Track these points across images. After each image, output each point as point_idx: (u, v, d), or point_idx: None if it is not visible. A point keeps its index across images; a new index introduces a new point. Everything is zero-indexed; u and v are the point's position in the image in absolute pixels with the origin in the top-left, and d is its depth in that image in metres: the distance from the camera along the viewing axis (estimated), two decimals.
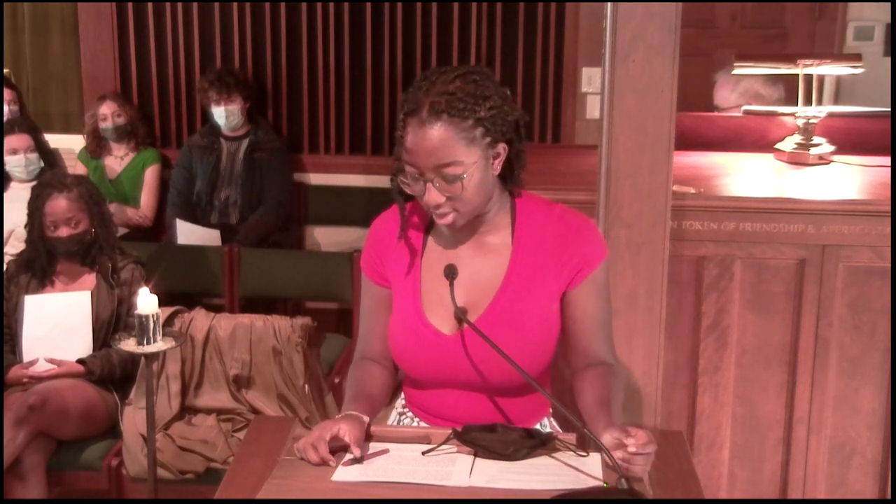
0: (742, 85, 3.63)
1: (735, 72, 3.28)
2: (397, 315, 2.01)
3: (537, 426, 2.06)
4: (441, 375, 1.99)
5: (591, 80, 4.73)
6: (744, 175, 2.90)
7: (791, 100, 3.12)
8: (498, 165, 1.90)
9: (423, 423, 2.07)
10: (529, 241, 1.97)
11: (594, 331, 1.99)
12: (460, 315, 1.92)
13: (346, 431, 1.83)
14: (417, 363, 2.00)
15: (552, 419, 2.12)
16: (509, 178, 1.96)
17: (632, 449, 1.68)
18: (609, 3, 2.20)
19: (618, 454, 1.70)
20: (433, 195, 1.85)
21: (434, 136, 1.81)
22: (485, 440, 1.84)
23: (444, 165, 1.82)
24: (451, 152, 1.82)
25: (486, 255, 1.98)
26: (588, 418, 1.85)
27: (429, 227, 2.03)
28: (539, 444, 1.85)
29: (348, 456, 1.83)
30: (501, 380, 1.96)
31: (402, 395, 2.14)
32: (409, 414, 2.10)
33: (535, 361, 1.95)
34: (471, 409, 1.99)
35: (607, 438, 1.74)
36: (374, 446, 1.89)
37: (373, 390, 2.02)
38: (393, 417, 2.13)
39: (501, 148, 1.89)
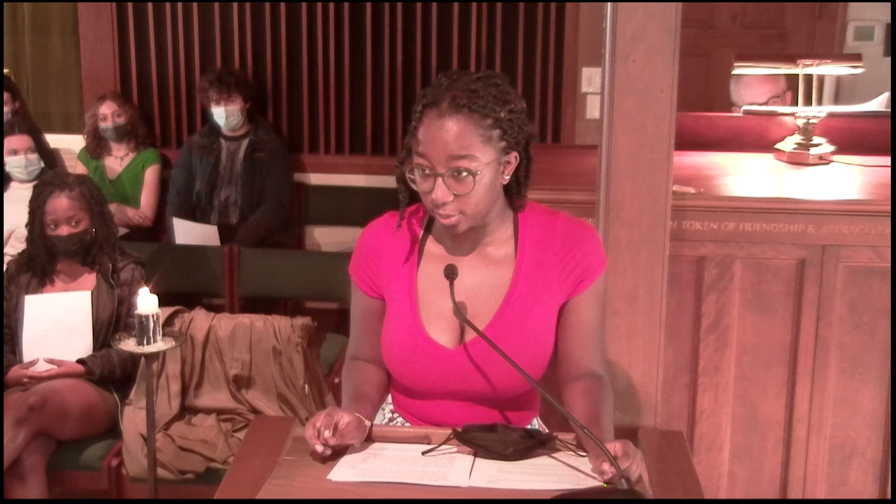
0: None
1: (735, 72, 3.28)
2: (394, 329, 1.98)
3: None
4: (439, 387, 1.97)
5: (591, 80, 4.74)
6: (744, 175, 2.90)
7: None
8: (508, 174, 1.89)
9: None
10: (533, 254, 1.95)
11: (588, 340, 1.97)
12: (460, 315, 1.91)
13: (346, 423, 1.82)
14: (416, 377, 1.98)
15: (540, 421, 2.13)
16: (515, 192, 1.95)
17: (607, 476, 1.68)
18: (609, 3, 2.20)
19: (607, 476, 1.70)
20: (442, 192, 1.81)
21: (452, 127, 1.79)
22: (485, 440, 1.84)
23: (458, 158, 1.79)
24: (467, 145, 1.79)
25: (488, 267, 1.96)
26: (580, 437, 1.84)
27: (424, 237, 2.00)
28: (539, 444, 1.85)
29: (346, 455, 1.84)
30: (499, 390, 1.95)
31: (390, 397, 2.13)
32: (400, 419, 2.09)
33: (533, 373, 1.93)
34: (462, 416, 1.97)
35: (594, 467, 1.74)
36: (376, 447, 1.89)
37: (370, 392, 2.02)
38: (380, 420, 2.10)
39: (513, 157, 1.88)
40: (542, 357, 1.96)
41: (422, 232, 2.00)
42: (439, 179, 1.81)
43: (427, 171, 1.82)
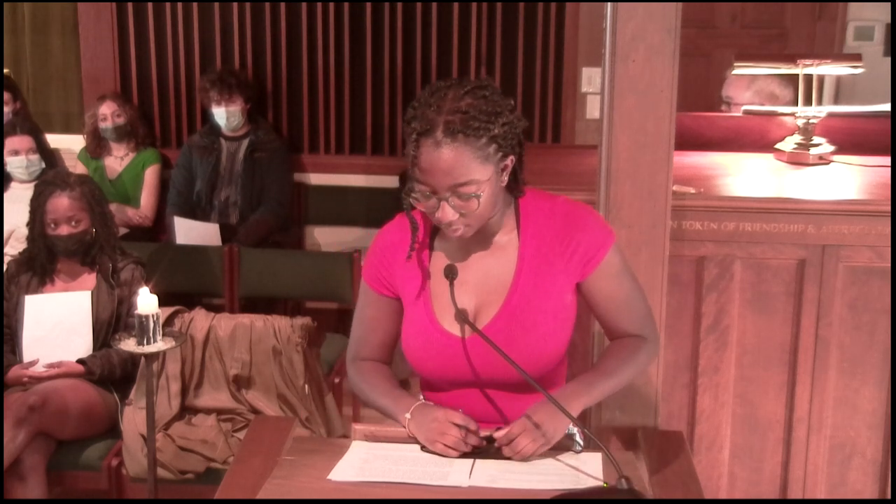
0: (758, 83, 3.61)
1: (736, 72, 3.28)
2: (411, 323, 2.03)
3: None
4: (458, 377, 2.00)
5: (591, 80, 4.74)
6: (744, 175, 2.90)
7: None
8: (506, 177, 1.92)
9: None
10: (535, 237, 1.98)
11: (620, 311, 2.02)
12: (462, 317, 1.94)
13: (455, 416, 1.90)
14: (434, 367, 2.02)
15: None
16: (513, 183, 1.98)
17: (503, 441, 1.81)
18: (609, 3, 2.20)
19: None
20: (447, 213, 1.85)
21: (450, 156, 1.81)
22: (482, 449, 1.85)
23: (460, 185, 1.83)
24: (467, 172, 1.82)
25: (493, 255, 2.00)
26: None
27: (433, 232, 2.04)
28: None
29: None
30: (518, 378, 1.96)
31: (421, 396, 2.14)
32: None
33: (551, 354, 1.98)
34: (488, 406, 2.01)
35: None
36: (376, 447, 1.90)
37: (395, 383, 2.06)
38: None
39: (510, 160, 1.91)
40: (556, 336, 1.98)
41: (431, 227, 2.04)
42: (443, 202, 1.85)
43: (430, 195, 1.86)
